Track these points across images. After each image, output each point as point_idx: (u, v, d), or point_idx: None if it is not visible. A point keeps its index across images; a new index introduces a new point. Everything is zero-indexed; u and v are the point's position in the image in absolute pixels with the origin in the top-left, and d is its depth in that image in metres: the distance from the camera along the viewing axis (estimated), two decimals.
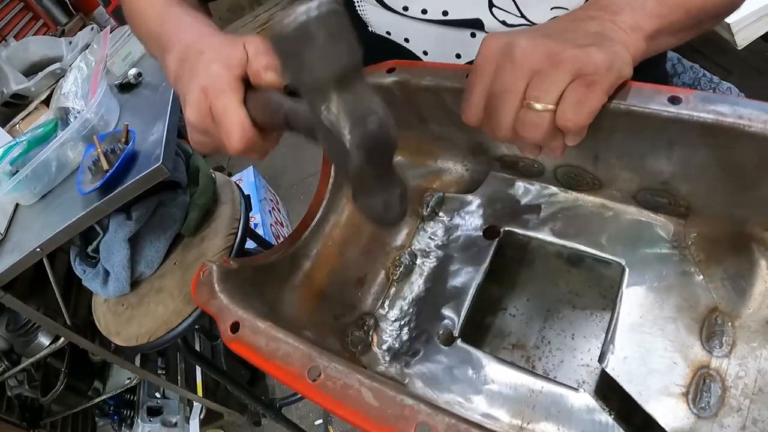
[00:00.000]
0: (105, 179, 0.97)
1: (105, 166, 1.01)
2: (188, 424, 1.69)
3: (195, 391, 1.61)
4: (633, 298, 0.51)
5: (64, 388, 1.48)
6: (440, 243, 0.62)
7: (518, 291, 0.62)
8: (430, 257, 0.61)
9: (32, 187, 1.17)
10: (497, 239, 0.58)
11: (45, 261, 1.18)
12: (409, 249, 0.63)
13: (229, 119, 0.44)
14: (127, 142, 1.05)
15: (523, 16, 0.59)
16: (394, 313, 0.59)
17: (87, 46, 1.60)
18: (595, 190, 0.55)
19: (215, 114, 0.45)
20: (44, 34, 2.37)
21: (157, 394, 1.72)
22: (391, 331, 0.58)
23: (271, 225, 2.11)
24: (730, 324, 0.48)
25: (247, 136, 0.44)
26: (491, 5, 0.59)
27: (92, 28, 1.70)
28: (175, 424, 1.68)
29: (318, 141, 0.39)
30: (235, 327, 0.45)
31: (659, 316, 0.50)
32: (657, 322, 0.49)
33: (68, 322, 1.26)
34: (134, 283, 1.15)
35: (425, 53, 0.66)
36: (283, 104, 0.42)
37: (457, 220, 0.62)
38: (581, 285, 0.59)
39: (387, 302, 0.60)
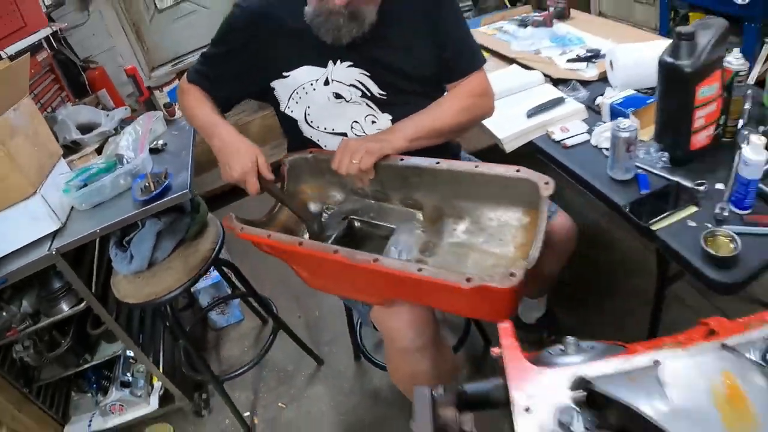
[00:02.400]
0: (154, 194, 1.89)
1: (152, 188, 1.93)
2: (150, 397, 2.49)
3: (158, 367, 2.42)
4: (396, 241, 1.46)
5: (64, 351, 2.29)
6: (328, 224, 1.57)
7: (362, 248, 1.55)
8: (328, 230, 1.56)
9: (92, 198, 2.04)
10: (347, 221, 1.54)
11: (96, 243, 2.07)
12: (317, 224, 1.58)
13: (251, 186, 1.48)
14: (166, 178, 1.97)
15: (364, 132, 1.62)
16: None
17: (122, 120, 2.57)
18: (385, 200, 1.53)
19: (247, 181, 1.48)
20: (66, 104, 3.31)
21: (128, 374, 2.53)
22: None
23: None
24: (437, 247, 1.43)
25: (257, 191, 1.47)
26: (351, 128, 1.62)
27: (126, 109, 2.68)
28: (140, 396, 2.48)
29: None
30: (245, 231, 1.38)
31: (406, 246, 1.45)
32: (405, 248, 1.44)
33: (93, 290, 2.10)
34: (149, 265, 2.02)
35: (325, 145, 1.67)
36: (274, 191, 1.51)
37: (334, 215, 1.58)
38: (384, 244, 1.54)
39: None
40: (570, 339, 0.78)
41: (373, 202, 1.59)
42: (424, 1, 1.57)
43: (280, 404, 2.58)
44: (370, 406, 2.45)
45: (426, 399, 0.69)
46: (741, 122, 1.82)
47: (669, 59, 1.59)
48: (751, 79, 3.18)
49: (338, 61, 1.57)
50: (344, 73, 1.59)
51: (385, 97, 1.61)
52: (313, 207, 1.51)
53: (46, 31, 3.33)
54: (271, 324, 2.57)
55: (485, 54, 2.57)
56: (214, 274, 2.90)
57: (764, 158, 1.44)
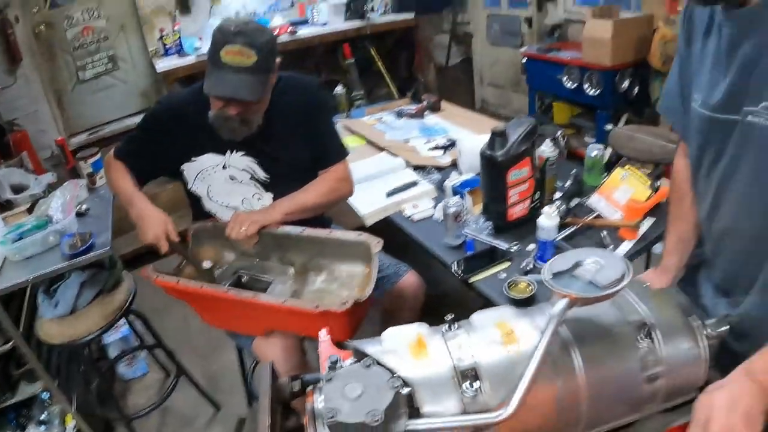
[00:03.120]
0: (81, 249, 2.38)
1: (79, 244, 2.43)
2: None
3: (72, 408, 2.85)
4: (273, 289, 2.02)
5: None
6: (222, 277, 2.12)
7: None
8: (222, 281, 2.10)
9: (25, 251, 2.50)
10: (237, 274, 2.11)
11: (27, 291, 2.53)
12: (217, 272, 2.13)
13: (162, 247, 2.04)
14: (90, 237, 2.47)
15: (251, 207, 2.23)
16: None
17: (49, 184, 3.06)
18: (266, 259, 2.12)
19: (159, 244, 2.03)
20: None
21: (45, 413, 2.93)
22: None
23: None
24: (302, 293, 2.00)
25: (167, 250, 2.04)
26: (242, 203, 2.23)
27: (53, 174, 3.17)
28: None
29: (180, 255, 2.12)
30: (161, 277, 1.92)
31: (280, 293, 2.00)
32: (279, 294, 1.99)
33: (21, 329, 2.54)
34: (72, 311, 2.49)
35: (221, 217, 2.26)
36: (177, 250, 2.08)
37: (227, 270, 2.14)
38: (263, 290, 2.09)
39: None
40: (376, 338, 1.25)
41: (256, 260, 2.17)
42: (305, 110, 2.21)
43: None
44: None
45: (268, 367, 1.20)
46: (558, 195, 2.49)
47: (487, 151, 2.23)
48: (607, 156, 3.95)
49: (234, 151, 2.18)
50: (238, 161, 2.19)
51: (268, 180, 2.23)
52: (206, 264, 2.11)
53: None
54: (174, 374, 3.05)
55: (362, 142, 3.26)
56: (123, 329, 3.36)
57: (555, 224, 2.09)
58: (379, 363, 0.99)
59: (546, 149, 2.49)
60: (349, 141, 3.35)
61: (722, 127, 1.25)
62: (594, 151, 2.67)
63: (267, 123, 2.13)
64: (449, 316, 1.12)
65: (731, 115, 1.22)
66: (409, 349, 1.04)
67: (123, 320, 3.04)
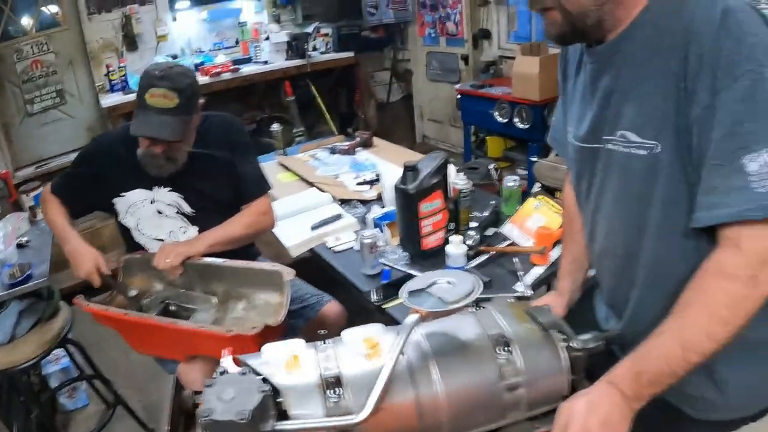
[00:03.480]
0: (20, 279, 2.53)
1: (18, 274, 2.57)
2: None
3: None
4: (196, 318, 2.19)
5: None
6: (150, 306, 2.29)
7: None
8: (150, 310, 2.26)
9: None
10: (164, 303, 2.28)
11: None
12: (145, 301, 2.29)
13: (94, 281, 2.22)
14: (29, 268, 2.61)
15: (178, 239, 2.42)
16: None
17: None
18: (191, 289, 2.30)
19: (91, 278, 2.21)
20: None
21: None
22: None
23: None
24: (223, 321, 2.16)
25: (99, 283, 2.21)
26: (169, 235, 2.43)
27: None
28: None
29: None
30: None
31: (203, 320, 2.17)
32: (205, 318, 2.16)
33: None
34: (10, 339, 2.62)
35: (150, 248, 2.44)
36: (108, 282, 2.26)
37: (154, 299, 2.31)
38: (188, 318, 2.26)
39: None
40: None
41: (182, 290, 2.34)
42: (227, 147, 2.41)
43: None
44: None
45: (172, 381, 1.39)
46: (474, 225, 2.66)
47: (400, 185, 2.42)
48: (537, 187, 4.14)
49: (161, 187, 2.37)
50: (165, 196, 2.38)
51: (194, 214, 2.42)
52: (132, 292, 2.30)
53: None
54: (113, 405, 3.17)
55: (296, 178, 3.44)
56: (63, 360, 3.46)
57: (462, 252, 2.28)
58: (255, 372, 1.17)
59: (459, 181, 2.67)
60: (282, 177, 3.56)
61: (590, 156, 1.41)
62: (510, 182, 2.86)
63: (192, 160, 2.33)
64: (323, 332, 1.31)
65: (595, 144, 1.38)
66: (283, 360, 1.22)
67: (63, 351, 3.17)
